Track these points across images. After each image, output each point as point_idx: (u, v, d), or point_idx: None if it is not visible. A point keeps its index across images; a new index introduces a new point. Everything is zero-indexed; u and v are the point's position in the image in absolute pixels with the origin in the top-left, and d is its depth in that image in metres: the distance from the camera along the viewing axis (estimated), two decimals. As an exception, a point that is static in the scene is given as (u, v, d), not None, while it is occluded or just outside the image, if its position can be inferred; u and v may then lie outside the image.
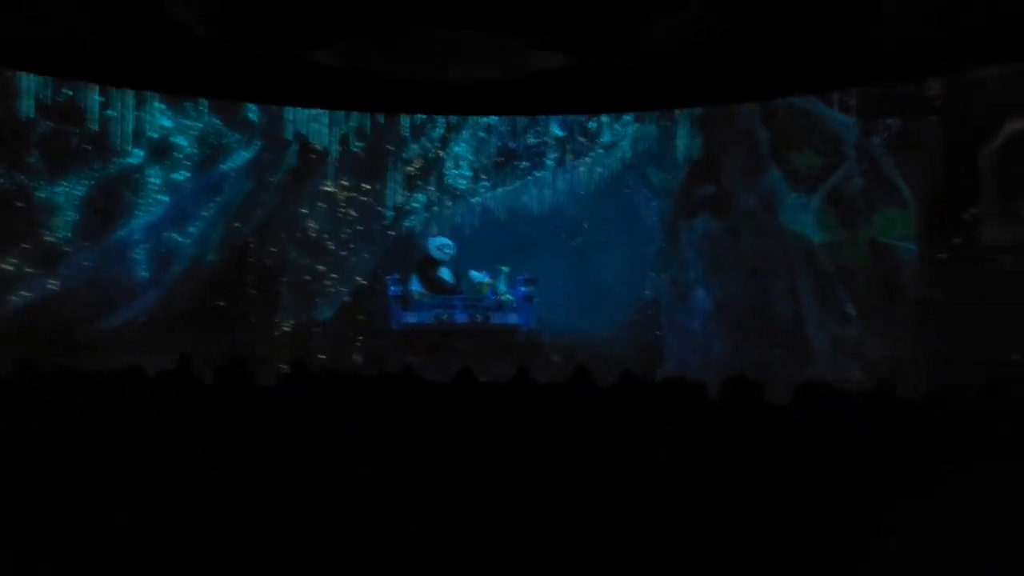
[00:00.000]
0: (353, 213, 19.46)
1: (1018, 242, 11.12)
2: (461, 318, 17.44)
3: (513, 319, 17.50)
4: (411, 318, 17.50)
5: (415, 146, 19.94)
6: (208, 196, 18.37)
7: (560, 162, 19.50)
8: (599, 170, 19.66)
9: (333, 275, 19.21)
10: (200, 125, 17.68)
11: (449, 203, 20.39)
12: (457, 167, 20.57)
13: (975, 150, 11.48)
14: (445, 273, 18.07)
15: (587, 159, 19.34)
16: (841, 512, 3.86)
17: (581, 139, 19.13)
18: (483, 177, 20.33)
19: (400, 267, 18.85)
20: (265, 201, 18.55)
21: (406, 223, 20.32)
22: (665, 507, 3.90)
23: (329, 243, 19.19)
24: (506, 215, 19.93)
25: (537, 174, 20.29)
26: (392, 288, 17.52)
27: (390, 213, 19.78)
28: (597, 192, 19.45)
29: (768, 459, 4.25)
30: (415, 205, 20.21)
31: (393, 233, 19.90)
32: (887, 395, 6.01)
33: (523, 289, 17.60)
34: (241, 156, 18.21)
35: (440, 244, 18.10)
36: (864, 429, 4.66)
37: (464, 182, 20.45)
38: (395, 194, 19.91)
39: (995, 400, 5.40)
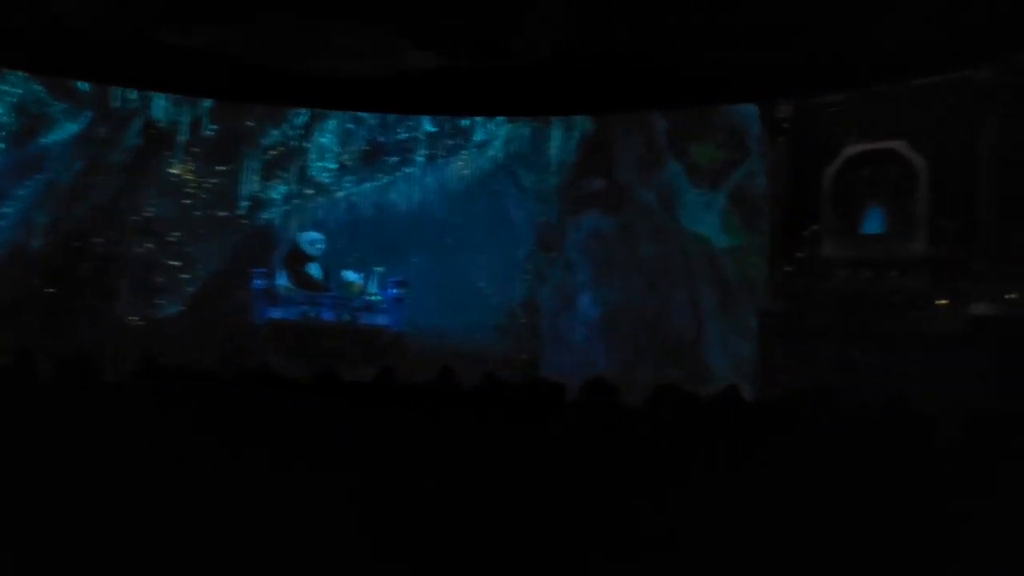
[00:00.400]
0: (204, 198, 18.08)
1: (853, 258, 11.81)
2: (328, 316, 17.08)
3: (382, 320, 17.29)
4: (276, 313, 16.95)
5: (276, 132, 18.63)
6: (26, 173, 16.33)
7: (431, 159, 18.77)
8: (470, 170, 18.99)
9: (178, 264, 17.81)
10: (19, 91, 15.46)
11: (312, 197, 19.21)
12: (321, 159, 19.29)
13: (818, 170, 12.12)
14: (314, 270, 17.61)
15: (458, 158, 18.72)
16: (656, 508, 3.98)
17: (452, 137, 18.47)
18: (349, 171, 19.23)
19: (255, 261, 17.91)
20: (100, 182, 16.91)
21: (264, 215, 19.17)
22: (512, 505, 3.93)
23: (176, 232, 17.84)
24: (373, 212, 19.14)
25: (407, 170, 19.38)
26: (257, 282, 16.92)
27: (245, 203, 18.55)
28: (468, 192, 18.96)
29: (612, 459, 4.36)
30: (274, 196, 19.04)
31: (247, 223, 18.76)
32: (730, 401, 6.26)
33: (394, 291, 17.40)
34: (67, 129, 16.29)
35: (312, 239, 17.63)
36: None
37: (328, 175, 19.32)
38: (250, 182, 18.63)
39: (815, 407, 5.70)
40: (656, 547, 3.83)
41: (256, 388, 5.01)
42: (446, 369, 6.03)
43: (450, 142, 18.50)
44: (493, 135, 18.45)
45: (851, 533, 3.81)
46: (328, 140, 18.46)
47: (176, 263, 17.96)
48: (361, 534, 3.78)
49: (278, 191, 18.75)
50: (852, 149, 11.92)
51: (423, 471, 4.06)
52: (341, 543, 3.76)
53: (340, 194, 19.51)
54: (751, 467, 4.31)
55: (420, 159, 18.73)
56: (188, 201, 18.05)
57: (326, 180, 19.30)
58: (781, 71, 8.88)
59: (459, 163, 19.07)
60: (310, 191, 19.29)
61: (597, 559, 3.84)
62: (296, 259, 17.50)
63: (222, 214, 18.37)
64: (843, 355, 10.80)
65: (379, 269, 17.74)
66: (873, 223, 11.91)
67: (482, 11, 6.13)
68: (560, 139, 17.95)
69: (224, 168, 18.11)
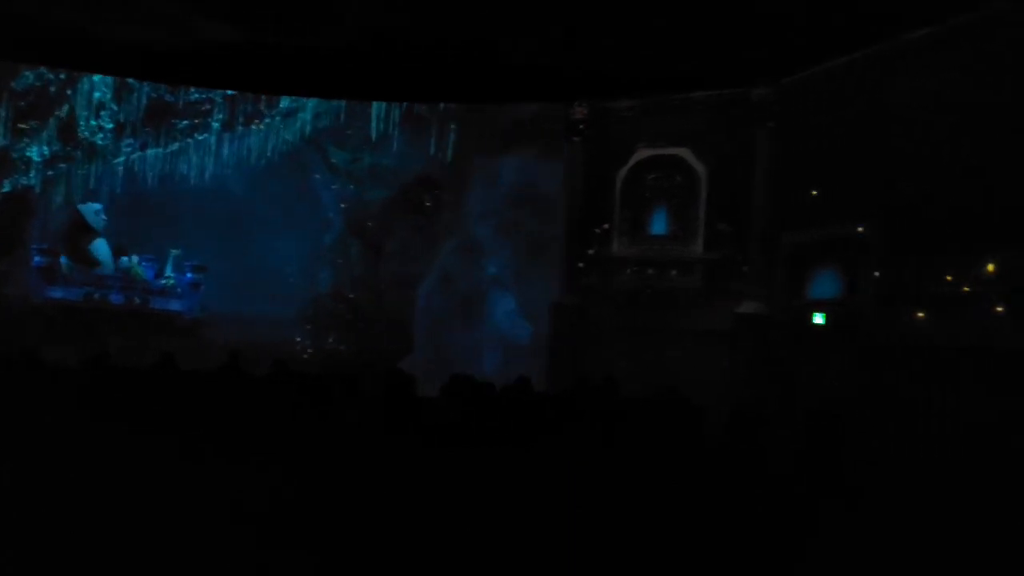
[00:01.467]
0: None
1: (639, 257, 12.38)
2: (117, 299, 15.84)
3: (176, 305, 16.29)
4: (57, 293, 15.47)
5: (29, 75, 15.43)
6: None
7: (228, 126, 16.53)
8: (274, 142, 16.86)
9: None
10: None
11: (82, 162, 16.34)
12: (96, 116, 16.17)
13: (611, 172, 12.59)
14: (101, 248, 16.08)
15: (261, 126, 16.67)
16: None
17: (254, 103, 16.15)
18: (129, 133, 16.33)
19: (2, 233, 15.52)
20: None
21: (21, 180, 16.21)
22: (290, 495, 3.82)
23: None
24: (160, 183, 16.88)
25: (200, 137, 16.75)
26: (36, 259, 15.36)
27: None
28: (270, 168, 17.21)
29: (406, 446, 4.33)
30: (32, 157, 16.03)
31: None
32: (522, 391, 6.39)
33: (190, 275, 16.39)
34: None
35: (97, 209, 16.07)
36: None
37: (104, 137, 16.40)
38: None
39: (599, 397, 5.93)
40: (446, 530, 3.82)
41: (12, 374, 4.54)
42: (233, 356, 5.72)
43: (253, 106, 16.27)
44: (301, 104, 16.54)
45: (627, 513, 3.97)
46: (103, 95, 15.57)
47: None
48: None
49: (36, 151, 15.87)
50: (642, 153, 12.46)
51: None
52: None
53: (119, 160, 16.73)
54: (538, 452, 4.40)
55: (216, 125, 16.50)
56: None
57: (100, 142, 16.36)
58: (577, 74, 9.11)
59: (261, 132, 16.99)
60: (81, 154, 16.27)
61: (385, 539, 3.78)
62: (79, 232, 15.98)
63: None
64: (626, 348, 11.31)
65: (175, 251, 16.67)
66: (658, 225, 12.51)
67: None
68: (380, 115, 16.16)
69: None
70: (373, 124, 16.09)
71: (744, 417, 4.84)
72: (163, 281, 16.33)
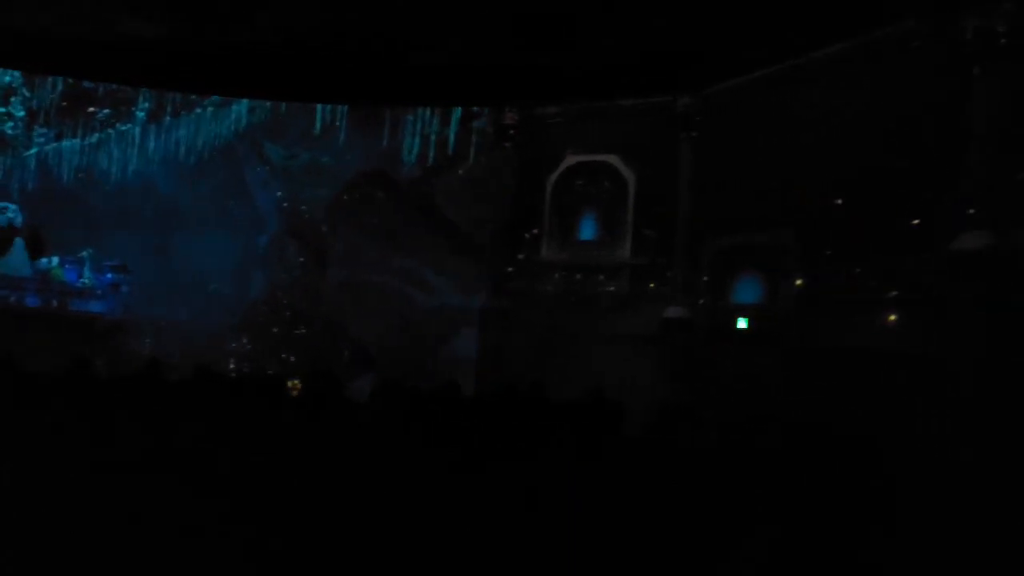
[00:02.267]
0: None
1: (568, 261, 12.48)
2: (33, 302, 15.20)
3: (96, 307, 15.72)
4: (-31, 296, 14.76)
5: None
6: None
7: (154, 116, 15.33)
8: (205, 136, 15.53)
9: None
10: None
11: None
12: (4, 103, 15.00)
13: (541, 176, 12.66)
14: (17, 250, 15.34)
15: (190, 117, 15.46)
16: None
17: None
18: (44, 122, 15.05)
19: None
20: None
21: None
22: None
23: None
24: (77, 178, 15.85)
25: (122, 127, 15.47)
26: None
27: None
28: (200, 162, 16.02)
29: (333, 450, 4.28)
30: None
31: None
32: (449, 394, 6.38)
33: (109, 276, 15.81)
34: None
35: (7, 208, 15.36)
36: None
37: (14, 126, 15.17)
38: None
39: (525, 399, 5.97)
40: (361, 534, 3.80)
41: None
42: (152, 362, 5.57)
43: (179, 98, 14.92)
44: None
45: (550, 510, 4.01)
46: (12, 79, 14.28)
47: None
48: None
49: None
50: (571, 160, 12.56)
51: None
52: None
53: (30, 152, 15.60)
54: (465, 456, 4.40)
55: (140, 115, 15.28)
56: None
57: (10, 132, 15.13)
58: (505, 78, 9.14)
59: (191, 124, 15.68)
60: None
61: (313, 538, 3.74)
62: None
63: None
64: (554, 352, 11.37)
65: (86, 252, 16.00)
66: (587, 230, 12.62)
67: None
68: (326, 109, 15.01)
69: None
70: (318, 118, 14.98)
71: (665, 415, 4.93)
72: (81, 281, 15.73)
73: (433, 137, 14.72)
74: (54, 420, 4.30)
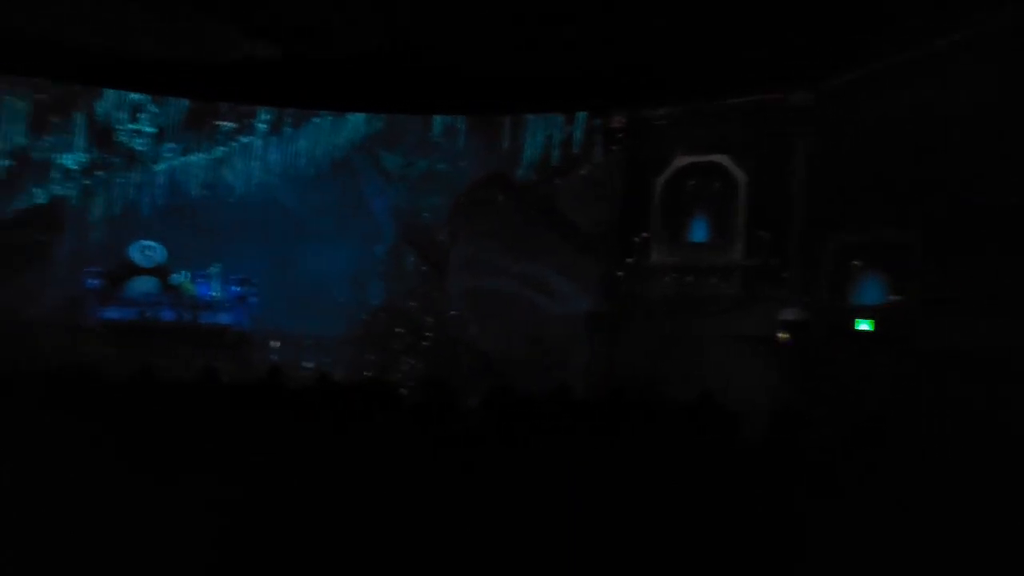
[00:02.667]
0: None
1: (678, 264, 12.27)
2: (168, 316, 16.09)
3: (224, 318, 16.46)
4: (112, 314, 15.71)
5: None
6: None
7: (275, 128, 15.43)
8: (323, 147, 15.59)
9: None
10: None
11: (120, 169, 15.09)
12: (134, 120, 14.98)
13: (649, 179, 12.51)
14: (147, 283, 15.82)
15: (309, 128, 15.53)
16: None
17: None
18: (170, 137, 15.03)
19: (29, 250, 14.66)
20: None
21: (56, 189, 15.17)
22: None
23: None
24: (203, 191, 16.03)
25: (245, 140, 15.44)
26: (90, 281, 15.61)
27: (2, 163, 14.02)
28: (319, 174, 16.11)
29: (442, 456, 4.32)
30: (67, 165, 14.94)
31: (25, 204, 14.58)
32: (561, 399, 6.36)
33: (236, 289, 16.53)
34: None
35: (144, 247, 16.25)
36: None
37: (144, 142, 15.33)
38: (9, 139, 13.86)
39: (636, 404, 5.87)
40: (484, 540, 3.81)
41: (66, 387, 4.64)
42: (274, 369, 5.78)
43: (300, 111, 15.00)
44: (352, 106, 15.26)
45: (667, 520, 3.92)
46: (141, 96, 14.52)
47: None
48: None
49: (72, 159, 14.81)
50: (680, 161, 12.36)
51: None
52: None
53: (160, 167, 15.66)
54: (580, 460, 4.37)
55: (262, 127, 15.44)
56: None
57: (140, 148, 15.28)
58: (614, 83, 9.04)
59: (310, 134, 15.64)
60: (118, 161, 15.06)
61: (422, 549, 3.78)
62: (127, 273, 16.13)
63: None
64: (665, 356, 11.20)
65: (216, 268, 16.75)
66: (698, 232, 12.39)
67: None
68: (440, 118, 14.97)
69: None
70: (435, 124, 15.08)
71: (784, 419, 4.76)
72: (210, 295, 16.49)
73: (554, 139, 14.41)
74: (186, 426, 4.51)
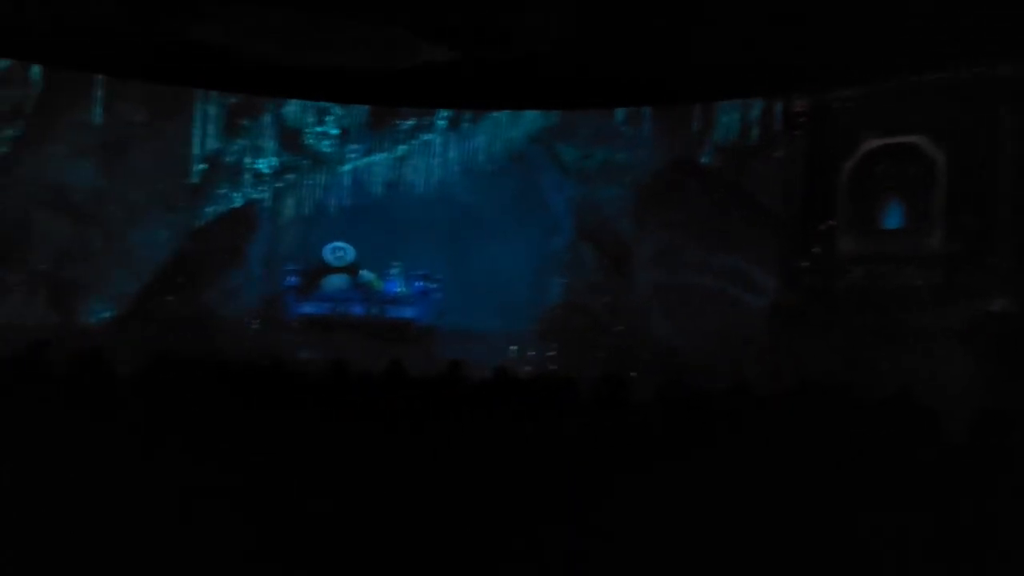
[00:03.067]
0: (140, 162, 13.94)
1: (870, 253, 11.54)
2: (357, 311, 17.01)
3: (408, 313, 17.16)
4: (308, 308, 16.87)
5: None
6: None
7: (454, 124, 15.36)
8: (500, 142, 15.34)
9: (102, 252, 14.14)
10: None
11: (308, 171, 15.38)
12: (320, 123, 15.23)
13: (835, 164, 11.84)
14: (337, 281, 16.78)
15: (487, 123, 15.35)
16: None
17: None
18: (353, 138, 15.18)
19: (226, 251, 15.35)
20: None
21: (251, 193, 15.49)
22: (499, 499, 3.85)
23: (103, 204, 13.88)
24: (385, 190, 16.24)
25: (425, 137, 15.39)
26: (290, 279, 16.82)
27: (199, 167, 14.48)
28: (497, 170, 15.97)
29: (620, 453, 4.28)
30: (261, 169, 15.32)
31: (204, 198, 15.08)
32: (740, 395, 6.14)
33: (419, 284, 17.17)
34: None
35: (335, 248, 17.27)
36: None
37: (330, 143, 15.50)
38: (203, 144, 14.16)
39: (824, 401, 5.57)
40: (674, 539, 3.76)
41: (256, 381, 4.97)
42: (454, 364, 5.94)
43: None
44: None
45: (859, 524, 3.72)
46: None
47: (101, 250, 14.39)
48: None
49: (266, 163, 15.20)
50: (870, 144, 11.64)
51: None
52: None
53: (345, 168, 15.87)
54: (760, 460, 4.21)
55: (441, 123, 15.42)
56: (118, 164, 13.98)
57: (326, 150, 15.50)
58: (797, 65, 8.56)
59: (488, 129, 15.31)
60: (307, 162, 15.37)
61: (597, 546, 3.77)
62: (320, 272, 17.16)
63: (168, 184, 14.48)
64: (854, 350, 10.57)
65: (398, 264, 17.40)
66: (892, 218, 11.62)
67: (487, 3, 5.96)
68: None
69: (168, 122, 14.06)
70: (619, 113, 14.66)
71: (991, 419, 4.36)
72: (396, 291, 17.23)
73: (739, 123, 13.61)
74: (375, 417, 4.71)
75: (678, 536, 3.68)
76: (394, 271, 17.16)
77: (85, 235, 14.15)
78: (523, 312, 16.74)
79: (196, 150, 14.37)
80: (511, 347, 16.09)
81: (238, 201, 15.64)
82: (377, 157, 15.60)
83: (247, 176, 15.31)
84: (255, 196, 15.76)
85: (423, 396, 5.20)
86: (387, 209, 16.91)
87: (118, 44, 8.58)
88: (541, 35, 6.77)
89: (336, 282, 16.81)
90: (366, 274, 17.27)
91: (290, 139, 15.31)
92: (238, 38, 6.77)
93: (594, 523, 3.74)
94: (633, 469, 4.01)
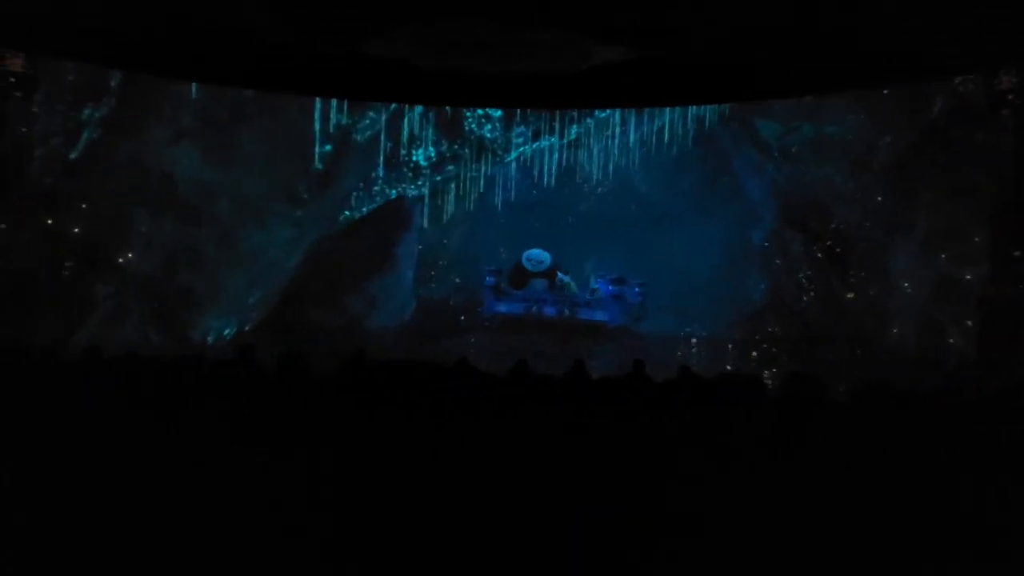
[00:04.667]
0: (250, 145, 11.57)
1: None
2: (550, 312, 17.35)
3: (600, 316, 17.24)
4: (503, 308, 17.50)
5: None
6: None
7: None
8: (686, 119, 12.96)
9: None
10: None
11: (469, 162, 13.47)
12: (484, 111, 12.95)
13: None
14: (537, 285, 17.45)
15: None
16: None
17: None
18: (520, 121, 13.15)
19: (385, 244, 14.17)
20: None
21: (404, 188, 13.79)
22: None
23: (267, 200, 12.12)
24: (558, 181, 14.81)
25: (601, 115, 13.16)
26: (488, 279, 17.46)
27: (318, 148, 11.99)
28: (683, 153, 14.08)
29: (815, 452, 4.04)
30: (419, 162, 13.48)
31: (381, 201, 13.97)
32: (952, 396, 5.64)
33: (611, 288, 17.20)
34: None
35: (530, 256, 17.70)
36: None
37: (492, 128, 13.54)
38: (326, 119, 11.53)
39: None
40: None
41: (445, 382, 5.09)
42: (637, 364, 5.84)
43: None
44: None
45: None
46: None
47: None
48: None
49: (423, 155, 13.43)
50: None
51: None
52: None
53: (511, 157, 14.17)
54: (977, 464, 3.86)
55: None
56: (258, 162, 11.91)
57: (488, 136, 13.53)
58: (1001, 38, 7.62)
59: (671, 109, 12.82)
60: (467, 150, 13.52)
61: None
62: (518, 274, 17.66)
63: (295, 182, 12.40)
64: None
65: (590, 265, 17.46)
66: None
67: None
68: None
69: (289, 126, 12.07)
70: None
71: None
72: (588, 295, 17.35)
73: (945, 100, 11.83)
74: (554, 420, 4.70)
75: (885, 531, 3.44)
76: (589, 275, 17.31)
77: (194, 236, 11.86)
78: (719, 311, 16.08)
79: (317, 126, 11.73)
80: (700, 345, 15.69)
81: (381, 197, 13.91)
82: (545, 142, 13.65)
83: (405, 171, 13.46)
84: (412, 192, 14.23)
85: (608, 397, 5.13)
86: (562, 205, 16.84)
87: (274, 58, 8.27)
88: (719, 31, 6.47)
89: (537, 285, 17.15)
90: (563, 277, 17.57)
91: (450, 125, 13.33)
92: (418, 52, 6.87)
93: (784, 519, 3.56)
94: (822, 472, 3.77)
